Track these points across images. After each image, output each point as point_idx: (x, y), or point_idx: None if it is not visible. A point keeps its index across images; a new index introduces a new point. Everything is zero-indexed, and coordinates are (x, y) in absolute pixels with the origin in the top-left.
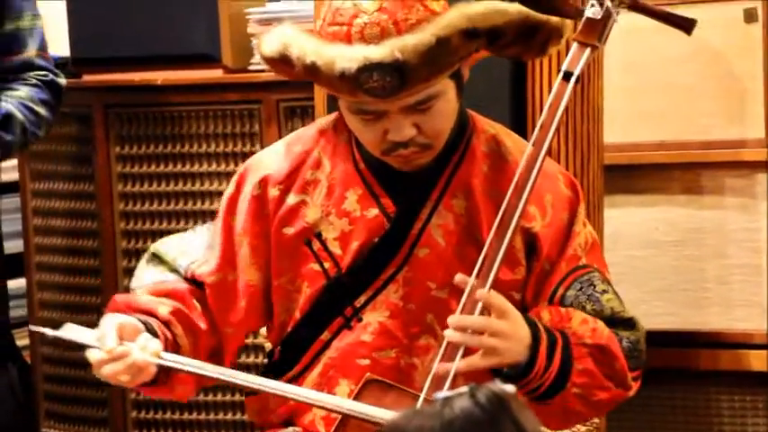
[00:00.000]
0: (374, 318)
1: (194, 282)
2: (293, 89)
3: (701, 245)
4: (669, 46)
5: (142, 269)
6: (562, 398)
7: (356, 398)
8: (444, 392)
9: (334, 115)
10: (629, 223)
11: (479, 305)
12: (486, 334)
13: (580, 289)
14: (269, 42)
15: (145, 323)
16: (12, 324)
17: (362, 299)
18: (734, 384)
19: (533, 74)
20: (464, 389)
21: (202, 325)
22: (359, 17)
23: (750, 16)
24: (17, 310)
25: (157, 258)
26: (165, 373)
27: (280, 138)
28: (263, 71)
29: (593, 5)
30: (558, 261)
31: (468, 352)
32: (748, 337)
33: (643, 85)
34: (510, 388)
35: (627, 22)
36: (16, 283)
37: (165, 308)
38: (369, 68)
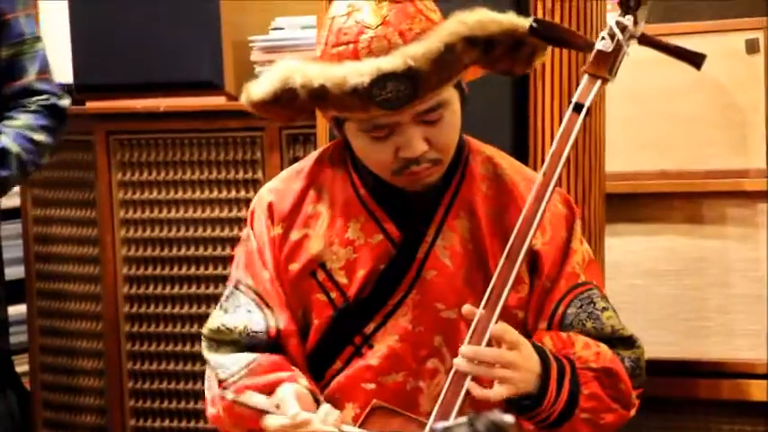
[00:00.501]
0: (384, 343)
1: (277, 340)
2: None
3: (703, 274)
4: (671, 76)
5: (215, 357)
6: (570, 424)
7: (362, 424)
8: (443, 423)
9: (329, 147)
10: (630, 252)
11: (488, 333)
12: (497, 366)
13: (580, 306)
14: (262, 84)
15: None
16: (12, 351)
17: (372, 326)
18: (734, 414)
19: (535, 101)
20: (463, 419)
21: (311, 387)
22: (364, 33)
23: (752, 47)
24: (18, 337)
25: (218, 341)
26: None
27: (282, 166)
28: None
29: (603, 39)
30: (557, 279)
31: (477, 380)
32: (749, 367)
33: (645, 115)
34: (509, 418)
35: (629, 52)
36: (17, 310)
37: (303, 379)
38: (382, 79)
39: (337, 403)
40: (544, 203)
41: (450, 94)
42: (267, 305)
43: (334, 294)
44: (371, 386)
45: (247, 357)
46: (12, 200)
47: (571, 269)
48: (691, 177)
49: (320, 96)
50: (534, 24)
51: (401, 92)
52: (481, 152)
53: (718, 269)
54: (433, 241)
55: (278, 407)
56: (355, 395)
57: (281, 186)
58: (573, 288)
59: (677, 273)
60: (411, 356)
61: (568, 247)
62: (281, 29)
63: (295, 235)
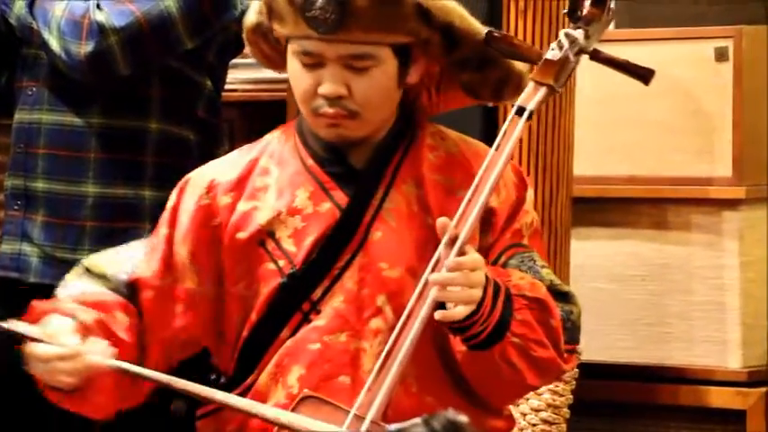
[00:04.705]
0: (330, 306)
1: (131, 288)
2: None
3: (666, 280)
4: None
5: (71, 281)
6: (501, 347)
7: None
8: (397, 425)
9: (280, 126)
10: (595, 256)
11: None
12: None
13: (521, 261)
14: (251, 11)
15: None
16: None
17: (319, 291)
18: (694, 420)
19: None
20: (417, 420)
21: (126, 337)
22: None
23: (721, 55)
24: None
25: (89, 272)
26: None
27: None
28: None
29: (553, 49)
30: (503, 232)
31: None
32: (709, 374)
33: (614, 120)
34: (464, 417)
35: (576, 63)
36: None
37: (86, 315)
38: None
39: (284, 368)
40: (496, 172)
41: (385, 55)
42: (149, 255)
43: (282, 263)
44: (316, 346)
45: (89, 287)
46: None
47: (518, 226)
48: (657, 183)
49: (272, 10)
50: (488, 34)
51: (328, 13)
52: (429, 127)
53: (682, 275)
54: (380, 205)
55: (50, 336)
56: (301, 357)
57: (228, 159)
58: (515, 245)
59: (641, 278)
60: (355, 317)
61: (519, 207)
62: None
63: (243, 205)
